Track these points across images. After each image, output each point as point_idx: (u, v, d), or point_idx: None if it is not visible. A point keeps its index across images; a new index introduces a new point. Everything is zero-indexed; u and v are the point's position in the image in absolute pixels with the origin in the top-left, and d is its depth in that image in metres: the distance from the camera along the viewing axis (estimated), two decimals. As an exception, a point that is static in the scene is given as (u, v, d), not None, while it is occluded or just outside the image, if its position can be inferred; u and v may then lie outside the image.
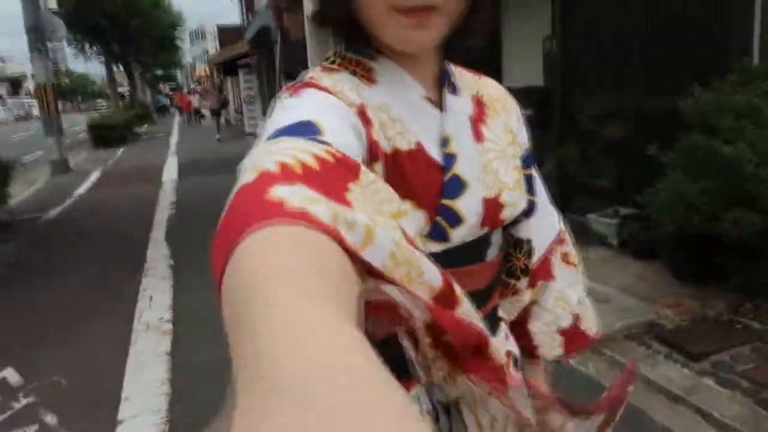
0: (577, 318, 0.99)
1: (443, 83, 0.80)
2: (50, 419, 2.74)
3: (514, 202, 0.84)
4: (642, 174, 4.24)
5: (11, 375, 3.20)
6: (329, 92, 0.69)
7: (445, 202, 0.76)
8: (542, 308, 0.97)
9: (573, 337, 0.99)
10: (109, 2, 23.22)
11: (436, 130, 0.78)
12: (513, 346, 0.93)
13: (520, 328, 0.98)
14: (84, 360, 3.34)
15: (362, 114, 0.70)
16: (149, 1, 26.81)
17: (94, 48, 27.41)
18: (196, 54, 63.45)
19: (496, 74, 5.81)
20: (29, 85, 59.62)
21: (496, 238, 0.87)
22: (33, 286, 4.80)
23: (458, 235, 0.78)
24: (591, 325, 1.01)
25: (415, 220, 0.74)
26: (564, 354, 1.01)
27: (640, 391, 2.56)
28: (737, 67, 3.12)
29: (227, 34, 25.82)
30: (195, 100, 26.23)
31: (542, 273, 0.94)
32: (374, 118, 0.72)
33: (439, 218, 0.76)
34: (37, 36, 11.49)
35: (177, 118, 29.27)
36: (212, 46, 44.98)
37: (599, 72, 4.71)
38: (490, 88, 0.89)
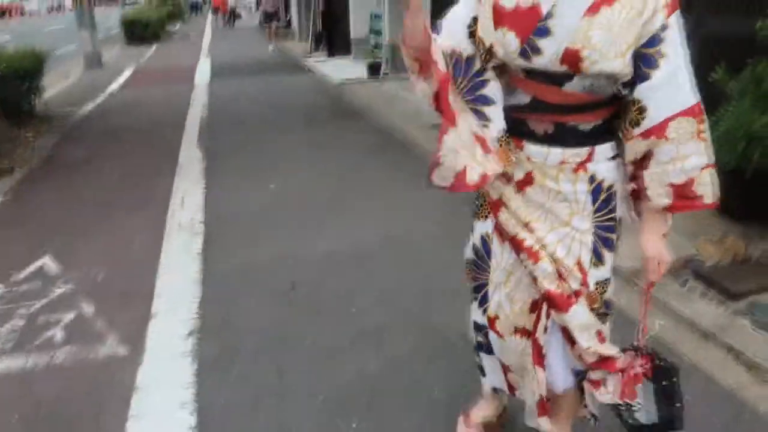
0: (691, 181, 1.26)
1: None
2: (87, 308, 2.84)
3: (595, 60, 1.20)
4: (704, 99, 3.99)
5: (49, 263, 3.30)
6: None
7: (533, 38, 1.25)
8: (656, 161, 1.28)
9: (683, 193, 1.28)
10: None
11: None
12: (607, 174, 1.36)
13: (636, 170, 1.33)
14: (119, 254, 3.42)
15: None
16: None
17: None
18: (230, -50, 60.80)
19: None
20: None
21: (581, 79, 1.25)
22: (70, 180, 4.88)
23: (539, 62, 1.26)
24: (707, 192, 1.27)
25: (511, 41, 1.27)
26: (671, 205, 1.31)
27: (670, 325, 2.53)
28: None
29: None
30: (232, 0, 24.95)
31: (656, 131, 1.25)
32: None
33: (525, 46, 1.26)
34: None
35: (210, 18, 28.51)
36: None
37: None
38: None
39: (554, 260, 1.39)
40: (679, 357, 2.33)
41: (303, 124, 6.74)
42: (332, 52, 12.61)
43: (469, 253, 1.59)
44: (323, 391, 2.18)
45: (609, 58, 1.19)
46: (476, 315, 1.63)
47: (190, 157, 5.37)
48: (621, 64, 1.20)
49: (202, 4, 42.99)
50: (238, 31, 22.08)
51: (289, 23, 19.71)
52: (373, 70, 9.66)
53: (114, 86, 9.96)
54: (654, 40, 1.19)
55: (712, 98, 3.50)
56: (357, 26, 11.39)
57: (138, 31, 17.40)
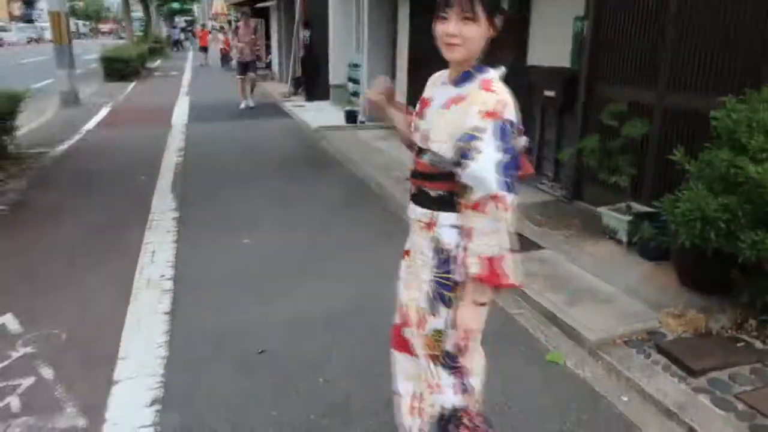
0: (501, 257, 1.55)
1: (459, 79, 1.63)
2: (47, 373, 2.76)
3: (434, 141, 1.62)
4: (661, 175, 4.15)
5: (10, 322, 3.22)
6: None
7: (417, 120, 1.75)
8: (477, 232, 1.55)
9: (491, 267, 1.56)
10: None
11: (433, 92, 1.74)
12: (448, 239, 1.66)
13: (465, 239, 1.61)
14: (84, 312, 3.35)
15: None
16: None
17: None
18: (214, -12, 61.74)
19: (522, 52, 5.63)
20: (43, 4, 58.45)
21: (429, 154, 1.64)
22: (37, 228, 4.80)
23: (416, 137, 1.74)
24: (512, 272, 1.57)
25: (413, 121, 1.80)
26: (480, 276, 1.57)
27: (634, 402, 2.57)
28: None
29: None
30: (220, 41, 23.08)
31: (477, 206, 1.54)
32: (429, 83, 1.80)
33: (413, 125, 1.78)
34: (53, -39, 11.14)
35: (190, 57, 28.71)
36: (231, -18, 43.68)
37: (629, 61, 4.53)
38: (478, 96, 1.55)
39: (408, 301, 1.81)
40: (642, 436, 2.36)
41: (279, 172, 6.77)
42: (311, 96, 12.80)
43: None
44: (287, 471, 2.14)
45: (438, 141, 1.60)
46: None
47: (163, 207, 5.33)
48: (446, 148, 1.58)
49: (184, 40, 43.35)
50: (220, 70, 22.28)
51: (269, 65, 19.98)
52: (350, 117, 9.82)
53: (89, 125, 9.91)
54: (469, 137, 1.51)
55: (671, 174, 3.66)
56: (336, 73, 11.63)
57: (117, 68, 17.42)
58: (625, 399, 2.58)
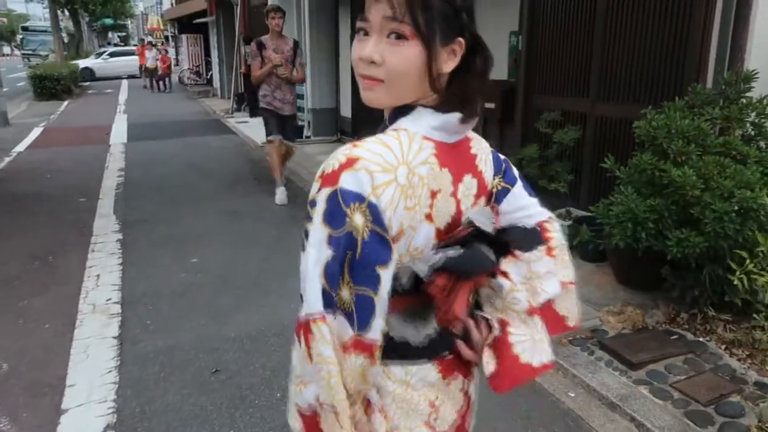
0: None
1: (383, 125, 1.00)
2: (-11, 406, 2.65)
3: None
4: (597, 180, 4.39)
5: (-54, 356, 3.06)
6: None
7: None
8: None
9: None
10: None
11: None
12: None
13: None
14: (26, 341, 3.23)
15: None
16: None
17: (37, -11, 25.74)
18: (149, 3, 60.40)
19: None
20: (-37, 22, 55.45)
21: None
22: (-31, 256, 4.57)
23: None
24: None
25: None
26: None
27: (580, 397, 2.71)
28: (689, 90, 3.23)
29: (184, -13, 24.60)
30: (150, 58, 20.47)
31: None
32: None
33: None
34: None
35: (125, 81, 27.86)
36: (167, -3, 42.85)
37: (562, 73, 4.79)
38: None
39: None
40: (589, 426, 2.50)
41: (226, 189, 6.70)
42: (254, 112, 12.69)
43: None
44: (249, 488, 2.14)
45: None
46: None
47: (106, 228, 5.18)
48: None
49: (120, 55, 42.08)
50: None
51: (209, 81, 19.69)
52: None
53: (20, 147, 9.50)
54: (307, 216, 0.88)
55: (605, 179, 3.87)
56: (279, 89, 11.58)
57: (48, 86, 16.76)
58: (572, 395, 2.72)
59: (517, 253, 1.06)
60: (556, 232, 1.12)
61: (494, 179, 1.09)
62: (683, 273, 3.13)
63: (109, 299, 3.74)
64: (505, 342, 1.04)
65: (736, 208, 2.69)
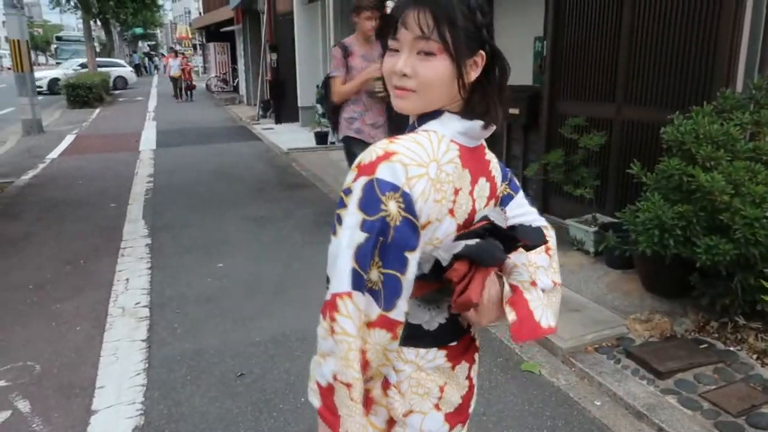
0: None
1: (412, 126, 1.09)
2: (23, 406, 2.72)
3: None
4: (623, 185, 4.33)
5: (-18, 356, 3.16)
6: None
7: None
8: None
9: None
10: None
11: None
12: None
13: None
14: (57, 343, 3.31)
15: None
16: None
17: (71, 1, 26.50)
18: (177, 13, 61.62)
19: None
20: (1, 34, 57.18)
21: None
22: (4, 260, 4.71)
23: None
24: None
25: None
26: None
27: (606, 406, 2.67)
28: (718, 95, 3.17)
29: (212, -3, 25.05)
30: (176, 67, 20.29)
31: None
32: None
33: None
34: (13, -10, 11.04)
35: (155, 81, 28.47)
36: (195, 6, 43.71)
37: (587, 78, 4.74)
38: None
39: None
40: (615, 439, 2.46)
41: (253, 195, 6.78)
42: (280, 119, 12.86)
43: None
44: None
45: None
46: None
47: (135, 234, 5.30)
48: None
49: (150, 63, 43.03)
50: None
51: (236, 88, 19.99)
52: (321, 138, 9.90)
53: (54, 153, 9.76)
54: (339, 202, 0.98)
55: (632, 185, 3.82)
56: (304, 95, 11.71)
57: (81, 95, 17.22)
58: (598, 403, 2.68)
59: (523, 247, 1.13)
60: (552, 238, 1.22)
61: (501, 185, 1.20)
62: (713, 281, 3.07)
63: (138, 303, 3.82)
64: (521, 297, 1.14)
65: (767, 214, 2.62)
